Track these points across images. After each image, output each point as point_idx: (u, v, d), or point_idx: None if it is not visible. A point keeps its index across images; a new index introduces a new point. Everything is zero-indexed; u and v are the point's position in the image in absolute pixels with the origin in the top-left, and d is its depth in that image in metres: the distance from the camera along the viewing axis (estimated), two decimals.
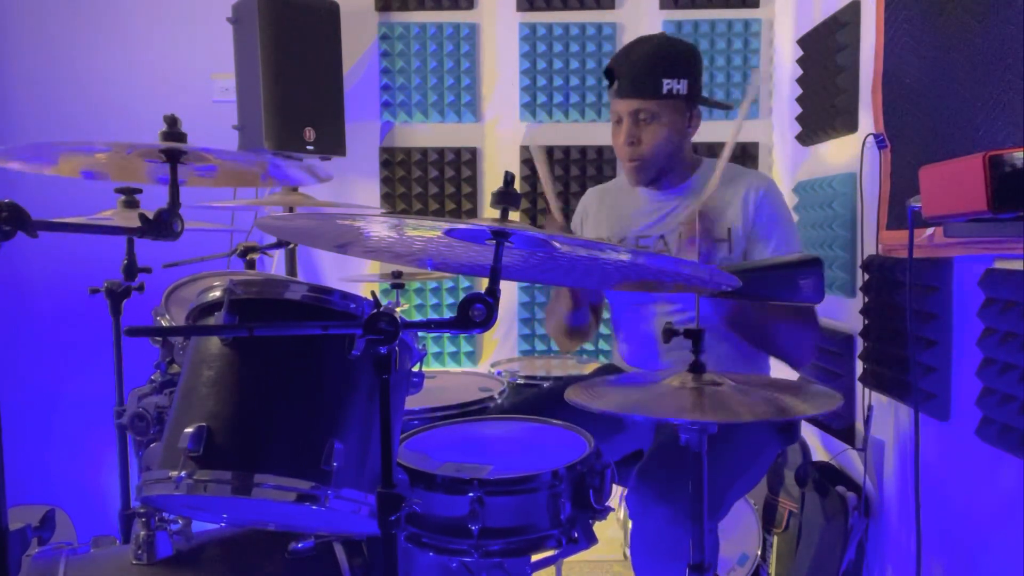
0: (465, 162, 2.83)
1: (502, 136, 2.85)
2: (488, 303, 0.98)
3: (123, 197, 1.80)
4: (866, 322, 1.95)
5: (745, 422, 1.20)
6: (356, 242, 1.27)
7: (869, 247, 1.93)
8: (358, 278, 2.61)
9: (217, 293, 1.22)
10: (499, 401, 1.98)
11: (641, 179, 1.86)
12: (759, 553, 2.26)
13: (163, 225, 1.19)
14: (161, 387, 1.58)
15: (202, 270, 1.90)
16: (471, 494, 1.29)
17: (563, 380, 2.13)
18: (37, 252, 2.43)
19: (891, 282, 1.82)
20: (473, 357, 2.92)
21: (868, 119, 1.96)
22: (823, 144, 2.32)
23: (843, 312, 2.17)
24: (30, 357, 2.76)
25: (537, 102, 2.81)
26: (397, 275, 2.31)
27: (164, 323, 1.65)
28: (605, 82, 1.86)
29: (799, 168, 2.53)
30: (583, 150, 2.82)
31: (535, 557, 1.40)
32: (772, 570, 2.25)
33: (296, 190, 2.36)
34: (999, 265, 1.42)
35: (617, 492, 1.96)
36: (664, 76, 1.75)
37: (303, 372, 1.18)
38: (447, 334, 2.86)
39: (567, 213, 2.82)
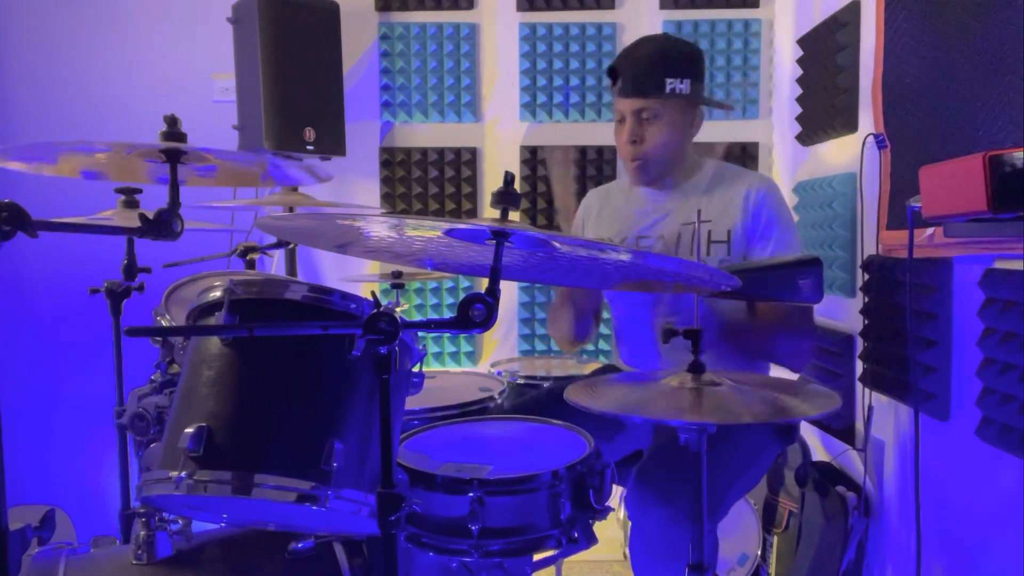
0: (465, 162, 2.83)
1: (502, 136, 2.85)
2: (488, 303, 0.98)
3: (123, 197, 1.80)
4: (866, 322, 1.95)
5: (744, 423, 1.20)
6: (356, 242, 1.27)
7: (869, 247, 1.93)
8: (358, 278, 2.61)
9: (217, 293, 1.22)
10: (499, 401, 1.98)
11: (644, 178, 1.87)
12: (759, 553, 2.26)
13: (163, 225, 1.18)
14: (161, 387, 1.58)
15: (202, 270, 1.90)
16: (471, 494, 1.29)
17: (563, 380, 2.13)
18: (37, 252, 2.42)
19: (891, 282, 1.82)
20: (473, 357, 2.92)
21: (868, 119, 1.96)
22: (823, 144, 2.32)
23: (843, 312, 2.17)
24: (30, 357, 2.76)
25: (537, 102, 2.81)
26: (397, 275, 2.31)
27: (164, 323, 1.65)
28: (608, 82, 1.87)
29: (799, 168, 2.53)
30: (583, 150, 2.82)
31: (535, 557, 1.40)
32: (772, 570, 2.25)
33: (296, 190, 2.36)
34: (999, 265, 1.42)
35: (617, 492, 1.96)
36: (667, 75, 1.76)
37: (303, 372, 1.18)
38: (447, 334, 2.86)
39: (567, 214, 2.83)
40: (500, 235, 1.01)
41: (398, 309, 1.14)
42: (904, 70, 1.76)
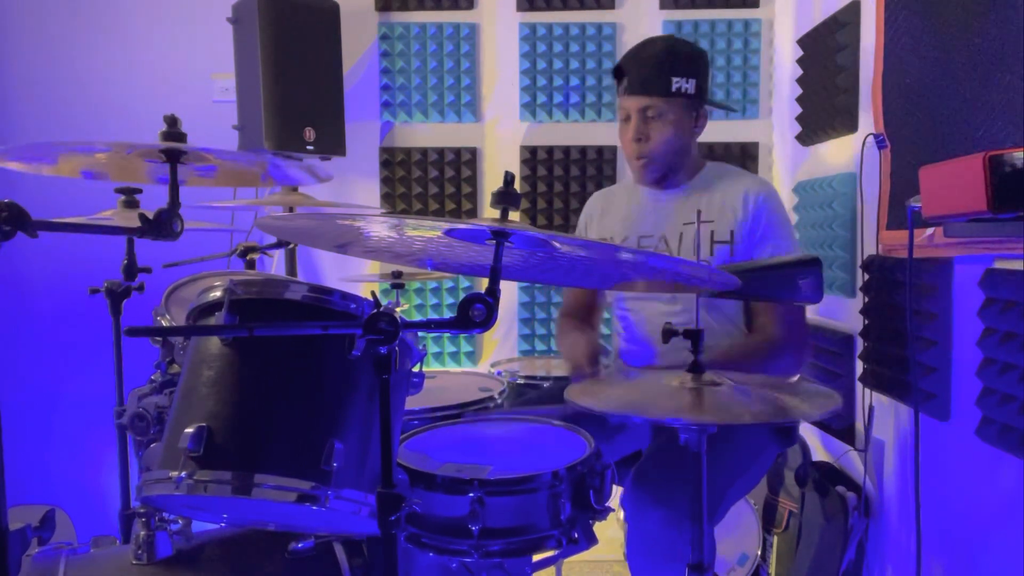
0: (465, 162, 2.83)
1: (502, 136, 2.85)
2: (488, 303, 0.98)
3: (123, 197, 1.80)
4: (866, 322, 1.95)
5: (745, 423, 1.21)
6: (356, 242, 1.27)
7: (869, 247, 1.93)
8: (358, 278, 2.61)
9: (217, 293, 1.22)
10: (499, 401, 1.98)
11: (648, 177, 1.87)
12: (759, 553, 2.26)
13: (163, 225, 1.18)
14: (161, 387, 1.57)
15: (202, 270, 1.90)
16: (471, 494, 1.28)
17: (563, 380, 2.13)
18: (37, 252, 2.43)
19: (891, 282, 1.82)
20: (473, 357, 2.92)
21: (868, 119, 1.96)
22: (823, 144, 2.32)
23: (843, 312, 2.17)
24: (30, 357, 2.76)
25: (537, 102, 2.81)
26: (397, 275, 2.31)
27: (164, 323, 1.65)
28: (609, 81, 1.87)
29: (799, 168, 2.53)
30: (583, 150, 2.81)
31: (535, 557, 1.40)
32: (772, 570, 2.24)
33: (296, 190, 2.36)
34: (999, 265, 1.42)
35: (617, 492, 1.96)
36: (673, 74, 1.77)
37: (303, 372, 1.18)
38: (447, 334, 2.86)
39: (567, 213, 2.83)
40: (500, 235, 1.01)
41: (398, 309, 1.14)
42: (904, 70, 1.76)
